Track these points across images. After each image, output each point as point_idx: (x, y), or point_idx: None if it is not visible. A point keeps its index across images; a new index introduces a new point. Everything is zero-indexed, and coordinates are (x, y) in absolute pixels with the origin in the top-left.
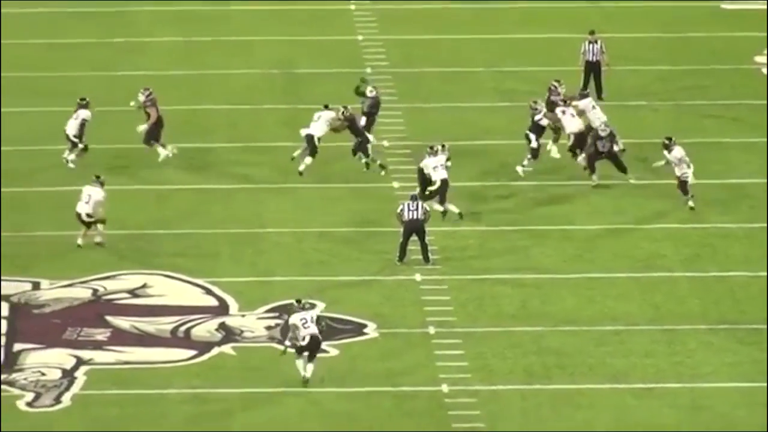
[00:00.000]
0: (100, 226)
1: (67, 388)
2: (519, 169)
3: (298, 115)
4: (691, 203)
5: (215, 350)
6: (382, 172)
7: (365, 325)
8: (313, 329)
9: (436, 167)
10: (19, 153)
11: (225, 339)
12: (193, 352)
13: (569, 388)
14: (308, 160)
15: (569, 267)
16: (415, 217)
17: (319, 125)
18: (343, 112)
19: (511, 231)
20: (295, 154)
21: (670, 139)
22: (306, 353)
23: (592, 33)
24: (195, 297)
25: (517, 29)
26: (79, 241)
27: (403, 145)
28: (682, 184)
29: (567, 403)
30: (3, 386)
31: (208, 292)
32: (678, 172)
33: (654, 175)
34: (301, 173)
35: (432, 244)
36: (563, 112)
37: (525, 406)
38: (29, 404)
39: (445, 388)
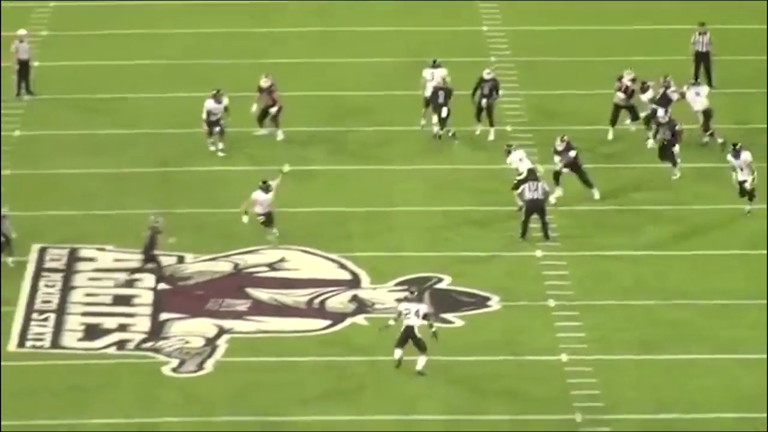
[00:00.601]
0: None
1: (210, 355)
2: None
3: None
4: (748, 207)
5: (348, 321)
6: (456, 141)
7: (489, 298)
8: (413, 320)
9: (521, 159)
10: (170, 136)
11: (357, 310)
12: (327, 323)
13: (681, 358)
14: (437, 119)
15: (680, 245)
16: (536, 197)
17: (433, 84)
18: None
19: (625, 210)
20: (441, 132)
21: (736, 144)
22: (404, 345)
23: (701, 24)
24: (329, 271)
25: (631, 21)
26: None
27: (524, 130)
28: (743, 189)
29: (679, 372)
30: (149, 353)
31: (342, 266)
32: (740, 177)
33: (758, 159)
34: (440, 137)
35: (552, 222)
36: (695, 93)
37: (639, 374)
38: (174, 370)
39: (564, 357)
